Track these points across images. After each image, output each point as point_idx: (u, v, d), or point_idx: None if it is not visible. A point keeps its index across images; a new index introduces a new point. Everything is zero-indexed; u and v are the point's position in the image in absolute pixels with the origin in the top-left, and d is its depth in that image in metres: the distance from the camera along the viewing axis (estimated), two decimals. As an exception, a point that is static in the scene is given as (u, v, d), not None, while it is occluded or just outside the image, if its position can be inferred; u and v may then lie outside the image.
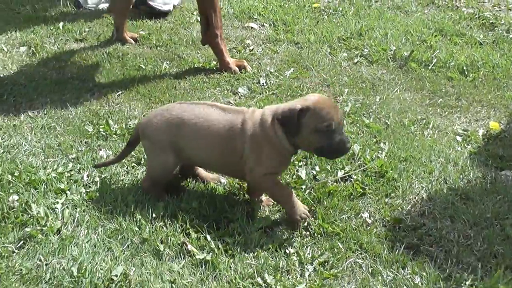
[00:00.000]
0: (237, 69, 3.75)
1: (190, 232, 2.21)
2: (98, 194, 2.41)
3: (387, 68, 3.83)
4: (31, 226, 2.18)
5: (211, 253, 2.11)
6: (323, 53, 4.03)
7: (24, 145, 2.77)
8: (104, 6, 4.82)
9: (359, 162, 2.72)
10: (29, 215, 2.24)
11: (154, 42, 4.19)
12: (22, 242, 2.12)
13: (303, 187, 2.51)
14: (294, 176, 2.59)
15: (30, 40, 4.07)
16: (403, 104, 3.34)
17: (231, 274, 2.03)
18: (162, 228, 2.24)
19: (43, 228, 2.18)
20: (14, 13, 4.72)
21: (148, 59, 3.91)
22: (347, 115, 3.14)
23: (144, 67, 3.79)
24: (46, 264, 2.01)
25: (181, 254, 2.13)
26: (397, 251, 2.17)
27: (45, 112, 3.11)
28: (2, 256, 2.04)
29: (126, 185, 2.51)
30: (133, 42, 4.16)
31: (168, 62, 3.90)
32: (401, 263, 2.11)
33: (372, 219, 2.36)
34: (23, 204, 2.29)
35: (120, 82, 3.56)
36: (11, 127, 2.93)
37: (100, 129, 2.95)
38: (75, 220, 2.24)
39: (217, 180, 2.58)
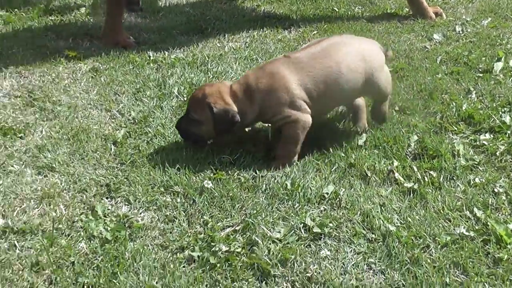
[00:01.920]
0: (433, 15, 3.71)
1: (394, 161, 2.25)
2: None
3: None
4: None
5: (417, 183, 2.13)
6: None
7: (230, 72, 2.94)
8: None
9: None
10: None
11: None
12: (238, 155, 2.26)
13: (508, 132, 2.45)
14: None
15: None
16: None
17: (438, 204, 2.04)
18: (367, 155, 2.29)
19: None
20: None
21: (340, 2, 3.98)
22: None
23: (337, 10, 3.85)
24: (262, 176, 2.13)
25: (388, 181, 2.17)
26: None
27: (246, 45, 3.27)
28: (222, 164, 2.20)
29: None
30: None
31: (360, 7, 3.94)
32: None
33: None
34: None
35: (314, 22, 3.64)
36: (218, 57, 3.12)
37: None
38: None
39: None
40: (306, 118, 2.28)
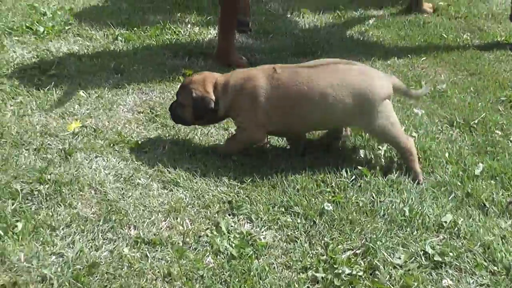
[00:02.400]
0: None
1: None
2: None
3: None
4: (362, 166, 2.36)
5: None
6: None
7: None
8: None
9: None
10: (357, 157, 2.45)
11: (453, 14, 4.23)
12: (354, 178, 2.30)
13: None
14: None
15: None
16: None
17: None
18: (484, 185, 2.30)
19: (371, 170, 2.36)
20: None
21: (449, 29, 3.96)
22: None
23: (445, 36, 3.84)
24: (380, 201, 2.17)
25: (507, 213, 2.17)
26: None
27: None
28: (340, 188, 2.25)
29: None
30: (431, 11, 4.26)
31: (468, 34, 3.91)
32: None
33: None
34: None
35: (423, 48, 3.64)
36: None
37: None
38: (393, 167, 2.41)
39: None
40: (256, 133, 2.43)
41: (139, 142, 2.53)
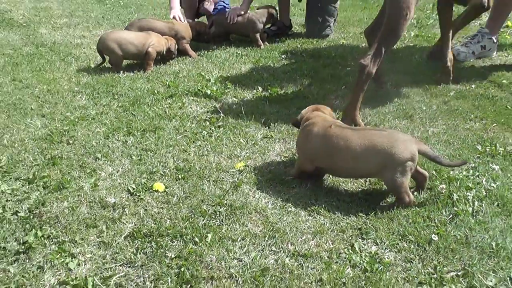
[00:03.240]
0: None
1: None
2: None
3: None
4: (458, 207, 2.54)
5: None
6: None
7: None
8: None
9: None
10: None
11: None
12: (451, 216, 2.48)
13: None
14: None
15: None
16: None
17: None
18: None
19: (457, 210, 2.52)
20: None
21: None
22: None
23: (509, 107, 3.78)
24: (472, 236, 2.34)
25: None
26: None
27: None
28: (441, 223, 2.43)
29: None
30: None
31: None
32: None
33: None
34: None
35: (493, 117, 3.64)
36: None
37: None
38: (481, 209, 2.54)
39: None
40: (305, 164, 2.72)
41: (287, 180, 2.79)
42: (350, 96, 3.37)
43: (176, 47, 4.70)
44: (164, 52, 4.47)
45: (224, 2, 5.79)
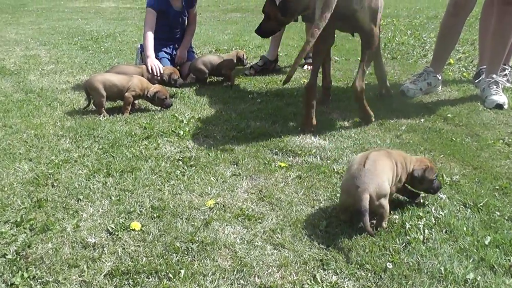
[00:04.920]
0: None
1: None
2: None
3: None
4: (411, 235, 2.54)
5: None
6: None
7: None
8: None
9: None
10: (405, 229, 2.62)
11: (457, 122, 4.22)
12: (404, 245, 2.49)
13: None
14: None
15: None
16: None
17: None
18: (490, 252, 2.42)
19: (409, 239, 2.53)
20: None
21: (456, 134, 3.93)
22: None
23: (454, 139, 3.82)
24: (423, 262, 2.35)
25: (509, 273, 2.27)
26: None
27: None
28: (396, 251, 2.43)
29: None
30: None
31: (470, 137, 3.87)
32: None
33: None
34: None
35: (439, 148, 3.67)
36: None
37: None
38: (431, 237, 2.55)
39: None
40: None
41: (254, 215, 2.77)
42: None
43: (178, 76, 4.76)
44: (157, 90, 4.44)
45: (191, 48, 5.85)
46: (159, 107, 4.50)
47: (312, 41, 3.57)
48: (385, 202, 2.55)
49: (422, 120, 4.29)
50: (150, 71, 4.84)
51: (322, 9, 3.53)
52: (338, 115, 4.43)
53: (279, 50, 6.11)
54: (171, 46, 5.67)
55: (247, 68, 5.90)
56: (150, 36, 5.17)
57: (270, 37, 5.55)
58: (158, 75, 4.82)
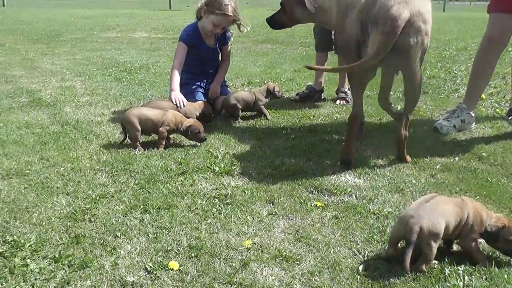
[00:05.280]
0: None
1: None
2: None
3: None
4: (450, 281, 2.50)
5: None
6: None
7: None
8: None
9: None
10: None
11: (492, 162, 4.20)
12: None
13: None
14: None
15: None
16: None
17: None
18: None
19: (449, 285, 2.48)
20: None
21: (492, 174, 3.91)
22: None
23: (490, 180, 3.79)
24: None
25: None
26: None
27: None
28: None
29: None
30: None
31: (505, 178, 3.84)
32: None
33: None
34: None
35: (475, 189, 3.65)
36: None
37: None
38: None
39: None
40: None
41: (292, 256, 2.77)
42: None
43: (211, 110, 4.91)
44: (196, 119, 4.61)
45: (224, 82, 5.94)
46: (193, 141, 4.56)
47: (355, 69, 3.66)
48: (434, 244, 2.54)
49: (457, 158, 4.26)
50: (174, 103, 4.94)
51: (381, 45, 3.52)
52: (372, 152, 4.43)
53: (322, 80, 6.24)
54: (204, 81, 5.77)
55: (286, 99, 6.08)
56: (177, 70, 5.30)
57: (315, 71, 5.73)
58: (182, 107, 4.91)
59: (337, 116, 5.62)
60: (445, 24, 19.13)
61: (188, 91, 5.45)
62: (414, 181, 3.78)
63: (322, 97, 6.37)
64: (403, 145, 4.04)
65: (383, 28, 3.55)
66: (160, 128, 4.48)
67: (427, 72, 8.16)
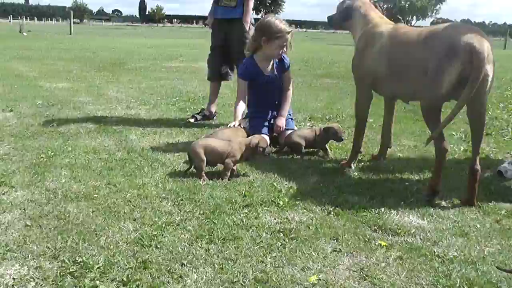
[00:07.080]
0: None
1: None
2: None
3: None
4: None
5: None
6: None
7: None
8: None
9: None
10: None
11: None
12: None
13: None
14: None
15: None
16: None
17: None
18: None
19: None
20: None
21: None
22: None
23: None
24: None
25: None
26: None
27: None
28: None
29: None
30: None
31: None
32: None
33: None
34: None
35: None
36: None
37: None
38: None
39: None
40: None
41: (357, 295, 2.80)
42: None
43: (268, 143, 5.02)
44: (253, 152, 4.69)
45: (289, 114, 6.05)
46: (257, 168, 4.68)
47: (462, 106, 3.85)
48: None
49: (523, 205, 4.17)
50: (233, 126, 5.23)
51: (474, 77, 3.70)
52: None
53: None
54: (269, 113, 5.91)
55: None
56: (240, 101, 5.61)
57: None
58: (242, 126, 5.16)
59: (399, 155, 5.62)
60: (507, 62, 18.68)
61: (253, 124, 5.62)
62: (478, 226, 3.74)
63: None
64: (477, 181, 4.06)
65: (468, 58, 3.71)
66: (226, 160, 4.64)
67: (489, 112, 8.01)
